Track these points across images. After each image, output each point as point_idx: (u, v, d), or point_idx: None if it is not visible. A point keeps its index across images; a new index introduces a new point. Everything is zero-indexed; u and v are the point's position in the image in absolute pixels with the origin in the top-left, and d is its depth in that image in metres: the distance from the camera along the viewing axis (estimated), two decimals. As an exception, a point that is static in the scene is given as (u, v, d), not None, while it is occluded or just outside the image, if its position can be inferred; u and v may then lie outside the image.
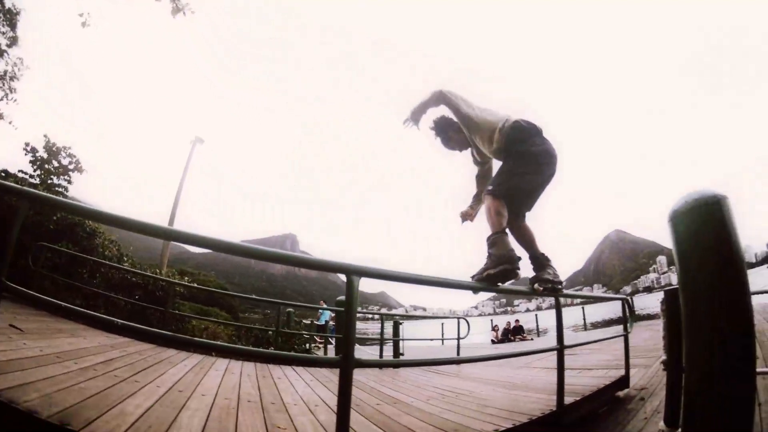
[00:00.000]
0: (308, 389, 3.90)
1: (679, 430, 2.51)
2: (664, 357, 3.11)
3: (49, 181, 8.94)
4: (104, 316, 2.10)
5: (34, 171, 8.89)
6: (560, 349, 3.17)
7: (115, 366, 3.36)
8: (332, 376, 4.99)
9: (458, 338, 8.37)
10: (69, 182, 9.32)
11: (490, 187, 3.04)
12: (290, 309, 11.39)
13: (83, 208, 1.96)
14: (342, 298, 7.74)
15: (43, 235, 7.18)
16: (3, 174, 8.40)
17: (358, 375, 5.12)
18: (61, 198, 1.84)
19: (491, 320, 19.88)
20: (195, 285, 9.56)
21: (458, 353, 8.60)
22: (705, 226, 2.19)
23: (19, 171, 8.66)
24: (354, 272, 1.91)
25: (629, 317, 4.66)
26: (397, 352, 7.83)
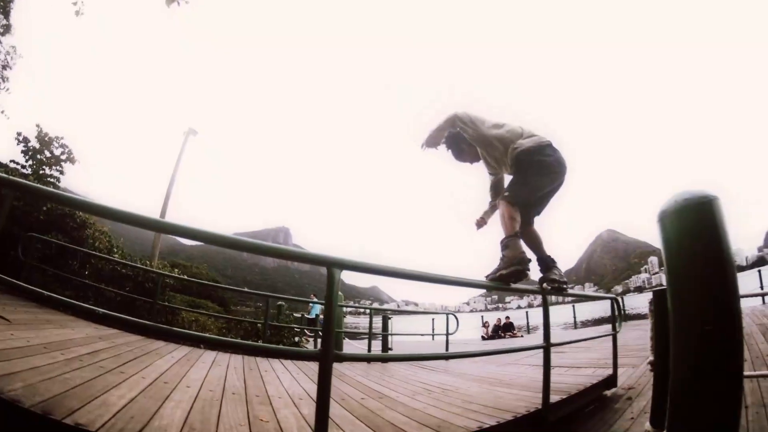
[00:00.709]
0: (294, 382, 3.92)
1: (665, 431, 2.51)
2: (651, 357, 3.10)
3: (41, 172, 8.87)
4: (85, 305, 2.11)
5: (26, 161, 8.81)
6: (546, 347, 3.17)
7: (101, 357, 3.36)
8: (317, 369, 4.97)
9: (447, 334, 8.41)
10: (61, 173, 9.26)
11: (505, 194, 3.22)
12: (281, 302, 11.39)
13: (71, 199, 1.92)
14: (332, 292, 7.76)
15: (32, 226, 7.14)
16: (-7, 164, 8.36)
17: (345, 369, 5.15)
18: (46, 187, 1.82)
19: (482, 316, 19.99)
20: (184, 277, 9.55)
21: (447, 349, 8.65)
22: (694, 226, 2.17)
23: (10, 161, 8.58)
24: (335, 265, 1.89)
25: (618, 317, 4.66)
26: (385, 347, 7.86)
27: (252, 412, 2.55)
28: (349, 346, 10.75)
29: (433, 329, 12.61)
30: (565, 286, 3.32)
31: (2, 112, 12.46)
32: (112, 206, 1.76)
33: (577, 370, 5.29)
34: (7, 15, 12.32)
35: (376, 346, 8.95)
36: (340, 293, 6.68)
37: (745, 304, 9.94)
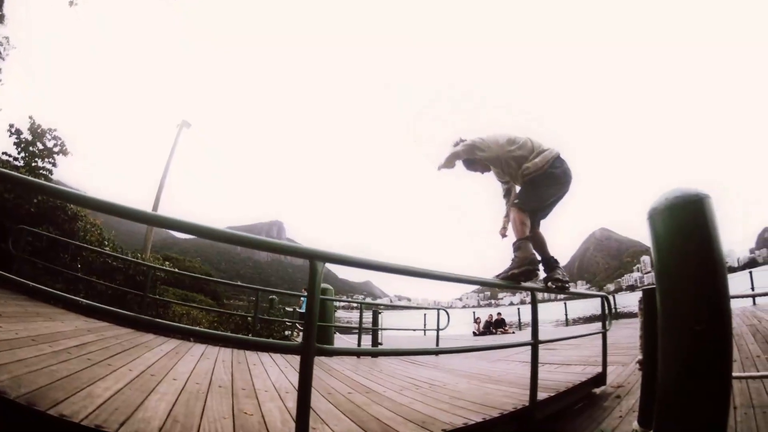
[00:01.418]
0: (282, 376, 3.93)
1: (652, 431, 2.50)
2: (640, 356, 3.11)
3: (33, 164, 8.79)
4: (69, 296, 2.11)
5: (18, 153, 8.72)
6: (534, 344, 3.19)
7: (89, 349, 3.37)
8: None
9: (437, 329, 8.46)
10: (54, 165, 9.18)
11: (516, 201, 3.55)
12: (273, 296, 11.40)
13: (59, 190, 1.85)
14: (323, 285, 7.78)
15: (23, 218, 7.10)
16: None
17: (335, 364, 5.18)
18: (34, 179, 1.81)
19: (473, 312, 20.06)
20: (175, 270, 9.53)
21: (437, 344, 8.68)
22: (685, 225, 2.15)
23: (2, 153, 8.51)
24: (317, 257, 1.88)
25: (608, 315, 4.69)
26: (375, 342, 7.89)
27: (237, 405, 2.57)
28: (340, 341, 10.79)
29: (425, 324, 12.66)
30: (567, 285, 3.62)
31: None
32: (102, 198, 1.74)
33: (567, 367, 5.33)
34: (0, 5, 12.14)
35: (368, 342, 8.98)
36: (329, 287, 6.69)
37: (736, 304, 10.00)
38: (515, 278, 3.34)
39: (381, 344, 7.89)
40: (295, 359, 5.16)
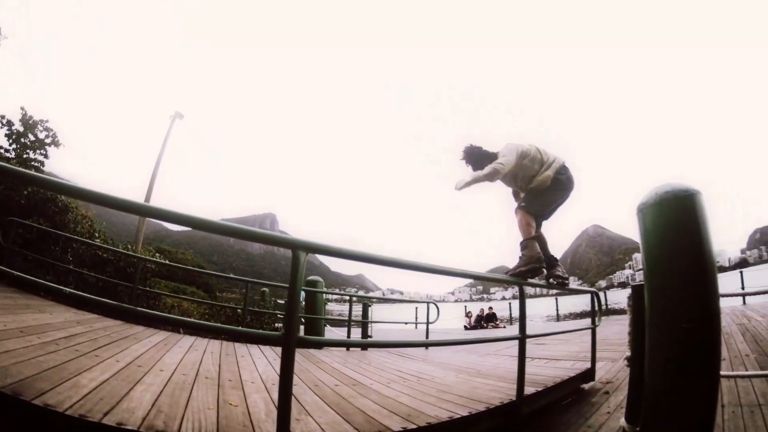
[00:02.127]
0: (269, 367, 3.95)
1: (638, 428, 2.52)
2: (628, 353, 3.10)
3: (24, 156, 8.73)
4: (52, 284, 2.13)
5: (10, 145, 8.65)
6: (522, 338, 3.20)
7: (77, 341, 3.39)
8: (297, 356, 4.99)
9: (427, 323, 8.51)
10: (45, 156, 9.11)
11: (523, 204, 3.88)
12: (265, 288, 11.41)
13: (49, 181, 1.83)
14: (313, 278, 7.80)
15: (13, 210, 7.06)
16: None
17: (324, 356, 5.21)
18: (22, 169, 1.80)
19: (465, 306, 20.16)
20: (166, 261, 9.51)
21: (427, 337, 8.71)
22: (675, 220, 2.13)
23: (-7, 145, 8.45)
24: (300, 247, 1.88)
25: (598, 311, 4.72)
26: (365, 334, 7.93)
27: (222, 396, 2.59)
28: (331, 334, 10.84)
29: (416, 318, 12.71)
30: (567, 281, 3.96)
31: None
32: (93, 189, 1.74)
33: (556, 362, 5.37)
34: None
35: (358, 335, 9.02)
36: (319, 279, 6.71)
37: (725, 304, 10.09)
38: (522, 275, 3.63)
39: (371, 337, 7.94)
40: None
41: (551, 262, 3.89)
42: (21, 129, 8.71)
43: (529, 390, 3.34)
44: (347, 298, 8.43)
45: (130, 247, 9.93)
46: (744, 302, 10.49)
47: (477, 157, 3.95)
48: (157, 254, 10.38)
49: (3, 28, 11.98)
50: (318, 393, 3.11)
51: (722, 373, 2.38)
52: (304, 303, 7.33)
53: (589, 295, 4.97)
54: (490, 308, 18.36)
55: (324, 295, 8.17)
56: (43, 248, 7.38)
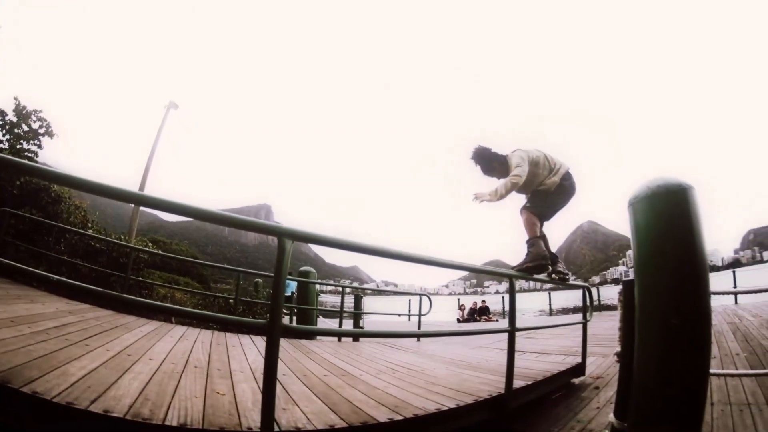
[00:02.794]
0: (259, 357, 3.95)
1: (627, 424, 2.51)
2: (618, 348, 3.09)
3: (18, 146, 8.67)
4: (35, 270, 2.13)
5: (3, 135, 8.59)
6: (511, 331, 3.19)
7: (68, 330, 3.40)
8: (288, 346, 5.08)
9: (419, 315, 8.58)
10: (39, 147, 9.05)
11: (528, 205, 4.09)
12: (258, 279, 11.44)
13: (37, 168, 1.81)
14: (305, 268, 7.83)
15: (5, 201, 7.03)
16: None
17: (315, 347, 5.24)
18: (11, 157, 1.79)
19: (458, 299, 20.25)
20: (158, 251, 9.51)
21: (419, 329, 8.75)
22: (666, 215, 2.10)
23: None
24: (285, 235, 1.86)
25: (589, 306, 4.76)
26: (357, 325, 7.98)
27: (211, 385, 2.61)
28: (323, 325, 10.91)
29: (409, 310, 12.78)
30: (568, 277, 4.19)
31: None
32: (84, 177, 1.71)
33: (547, 356, 5.40)
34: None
35: (350, 326, 9.06)
36: (311, 269, 6.73)
37: (717, 302, 10.11)
38: (529, 271, 3.85)
39: (362, 328, 8.00)
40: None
41: (553, 258, 4.09)
42: (14, 119, 8.64)
43: (518, 383, 3.35)
44: (342, 290, 8.46)
45: (123, 237, 9.92)
46: (736, 301, 10.56)
47: (487, 159, 4.11)
48: (150, 244, 10.37)
49: None
50: (306, 383, 3.12)
51: (712, 371, 2.37)
52: (296, 294, 7.35)
53: (580, 291, 5.00)
54: (483, 302, 18.43)
55: (317, 286, 8.20)
56: (36, 239, 7.38)
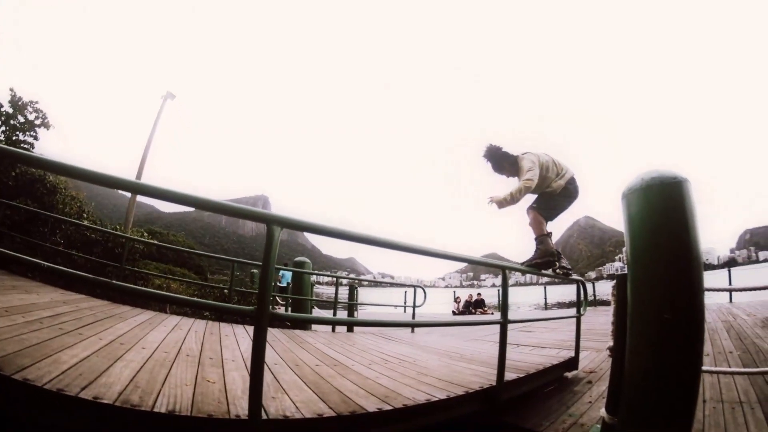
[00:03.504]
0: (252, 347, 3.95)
1: (618, 419, 2.50)
2: (611, 343, 3.11)
3: (14, 138, 8.62)
4: (27, 257, 2.14)
5: (-1, 127, 8.58)
6: (503, 323, 3.17)
7: (62, 320, 3.41)
8: (281, 336, 5.12)
9: (414, 306, 8.67)
10: (35, 138, 9.01)
11: (535, 205, 4.34)
12: (254, 270, 11.48)
13: (30, 156, 1.84)
14: (300, 258, 7.86)
15: (1, 192, 7.01)
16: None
17: (309, 337, 5.27)
18: (7, 147, 1.79)
19: (454, 292, 20.32)
20: (153, 242, 9.51)
21: (413, 319, 8.79)
22: (661, 207, 2.07)
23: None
24: (274, 222, 1.87)
25: (583, 300, 4.77)
26: (351, 316, 8.03)
27: (202, 374, 2.62)
28: (318, 315, 10.96)
29: (405, 301, 12.84)
30: (570, 272, 4.42)
31: None
32: (80, 166, 1.72)
33: (541, 350, 5.44)
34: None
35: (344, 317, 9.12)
36: (306, 260, 6.76)
37: (712, 300, 10.14)
38: (538, 266, 4.13)
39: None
40: (270, 332, 5.21)
41: (558, 255, 4.29)
42: (10, 111, 8.58)
43: (510, 376, 3.36)
44: (340, 281, 8.50)
45: (119, 227, 9.91)
46: (731, 300, 10.61)
47: (498, 158, 4.30)
48: (147, 235, 10.36)
49: None
50: (297, 372, 3.14)
51: (705, 368, 2.37)
52: (291, 284, 7.36)
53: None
54: (479, 294, 18.52)
55: (313, 277, 8.23)
56: (32, 230, 7.37)
